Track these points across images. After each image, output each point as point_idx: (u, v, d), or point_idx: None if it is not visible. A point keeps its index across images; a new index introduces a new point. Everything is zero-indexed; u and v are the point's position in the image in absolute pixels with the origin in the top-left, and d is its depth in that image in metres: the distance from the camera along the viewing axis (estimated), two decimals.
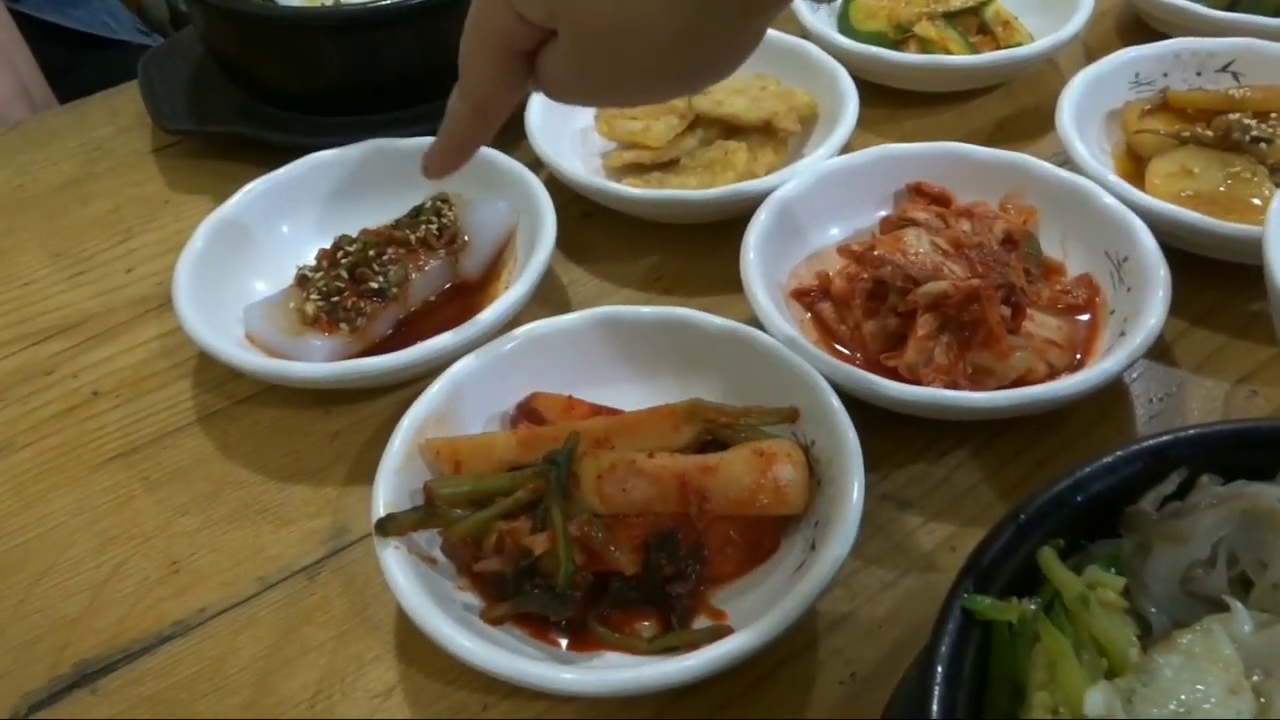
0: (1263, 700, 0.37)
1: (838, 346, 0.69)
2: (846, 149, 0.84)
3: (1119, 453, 0.42)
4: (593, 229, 0.82)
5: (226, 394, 0.72)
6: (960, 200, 0.76)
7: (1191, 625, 0.40)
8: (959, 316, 0.64)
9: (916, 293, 0.65)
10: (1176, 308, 0.70)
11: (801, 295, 0.72)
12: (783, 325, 0.64)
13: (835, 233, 0.75)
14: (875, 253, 0.67)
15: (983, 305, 0.63)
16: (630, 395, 0.64)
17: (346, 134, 0.84)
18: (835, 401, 0.58)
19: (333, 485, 0.66)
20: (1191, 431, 0.43)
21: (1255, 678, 0.38)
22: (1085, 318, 0.68)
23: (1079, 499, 0.42)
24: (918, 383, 0.64)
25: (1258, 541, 0.42)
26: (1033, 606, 0.40)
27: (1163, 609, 0.41)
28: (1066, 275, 0.72)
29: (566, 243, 0.82)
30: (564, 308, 0.77)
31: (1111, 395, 0.66)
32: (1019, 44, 0.92)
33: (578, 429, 0.58)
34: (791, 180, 0.74)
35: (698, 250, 0.80)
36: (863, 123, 0.90)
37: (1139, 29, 0.98)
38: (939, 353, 0.64)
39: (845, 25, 0.98)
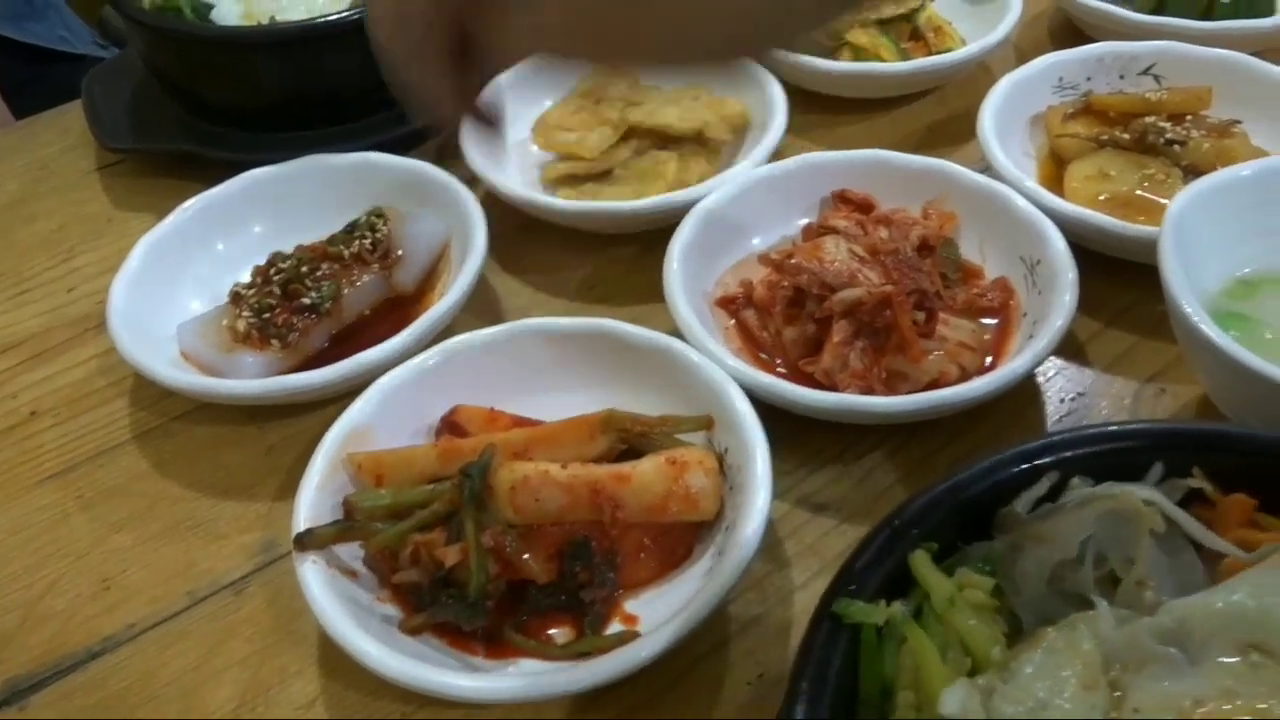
0: (1118, 694, 0.39)
1: (762, 353, 0.70)
2: (778, 156, 0.85)
3: (993, 458, 0.44)
4: (529, 240, 0.84)
5: (162, 411, 0.73)
6: (884, 206, 0.77)
7: (1059, 623, 0.41)
8: (873, 322, 0.66)
9: (832, 300, 0.66)
10: (1092, 308, 0.72)
11: (727, 303, 0.73)
12: (700, 334, 0.65)
13: (760, 241, 0.77)
14: (793, 261, 0.69)
15: (895, 311, 0.65)
16: (554, 405, 0.66)
17: (287, 149, 0.85)
18: (745, 409, 0.60)
19: (264, 500, 0.67)
20: (1063, 435, 0.45)
21: (1113, 672, 0.39)
22: (999, 320, 0.70)
23: (953, 503, 0.43)
24: (834, 388, 0.66)
25: (1124, 540, 0.43)
26: (902, 608, 0.41)
27: (1033, 608, 0.43)
28: (985, 278, 0.73)
29: (503, 254, 0.84)
30: (497, 319, 0.78)
31: (1024, 395, 0.68)
32: (950, 49, 0.94)
33: (496, 441, 0.59)
34: (717, 190, 0.76)
35: (632, 259, 0.81)
36: (797, 129, 0.92)
37: (1070, 32, 1.00)
38: (854, 358, 0.66)
39: None
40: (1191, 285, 0.63)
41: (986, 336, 0.69)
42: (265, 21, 0.87)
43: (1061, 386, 0.69)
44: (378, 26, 0.40)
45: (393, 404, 0.64)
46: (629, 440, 0.60)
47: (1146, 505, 0.43)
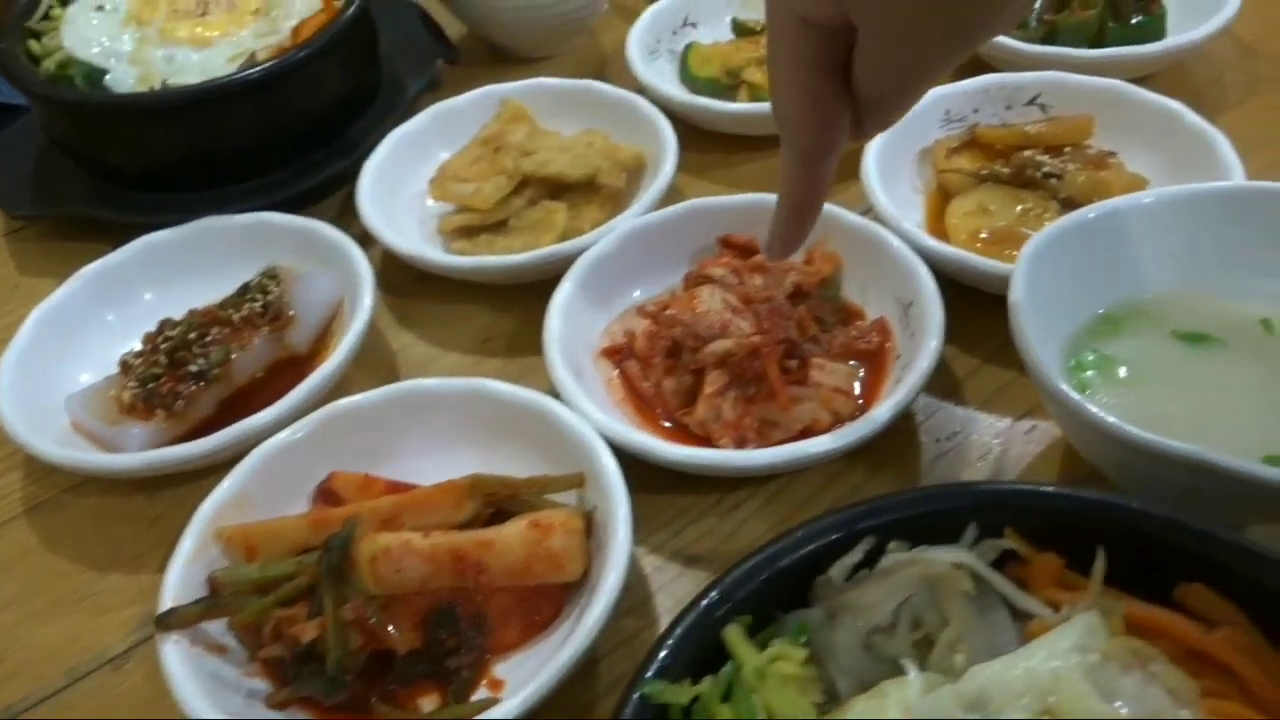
0: None
1: (646, 404, 0.71)
2: (676, 197, 0.87)
3: (807, 527, 0.45)
4: (426, 292, 0.84)
5: (53, 484, 0.73)
6: None
7: (869, 691, 0.42)
8: (744, 373, 0.67)
9: (704, 351, 0.67)
10: (970, 344, 0.73)
11: (612, 354, 0.74)
12: (572, 392, 0.66)
13: (645, 290, 0.78)
14: (668, 313, 0.70)
15: (764, 361, 0.66)
16: (435, 466, 0.66)
17: (188, 209, 0.86)
18: (611, 466, 0.61)
19: (149, 572, 0.67)
20: (878, 501, 0.45)
21: None
22: (875, 362, 0.71)
23: (767, 575, 0.44)
24: (710, 438, 0.67)
25: (938, 603, 0.44)
26: (713, 685, 0.42)
27: (850, 675, 0.44)
28: (866, 319, 0.74)
29: (401, 307, 0.84)
30: (392, 375, 0.79)
31: (901, 436, 0.69)
32: None
33: (365, 509, 0.60)
34: (601, 241, 0.76)
35: (526, 309, 0.82)
36: (696, 170, 0.94)
37: (970, 60, 1.01)
38: (727, 408, 0.66)
39: (685, 72, 1.00)
40: (1056, 324, 0.65)
41: (859, 378, 0.69)
42: (159, 85, 0.88)
43: (938, 425, 0.70)
44: (771, 89, 0.49)
45: (271, 472, 0.65)
46: (496, 503, 0.61)
47: (956, 568, 0.44)
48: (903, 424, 0.69)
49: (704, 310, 0.69)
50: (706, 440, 0.67)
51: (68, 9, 0.94)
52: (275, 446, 0.65)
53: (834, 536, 0.45)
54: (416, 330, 0.83)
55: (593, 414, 0.64)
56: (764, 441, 0.66)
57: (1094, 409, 0.54)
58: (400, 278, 0.85)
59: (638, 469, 0.64)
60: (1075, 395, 0.55)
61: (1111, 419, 0.53)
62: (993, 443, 0.68)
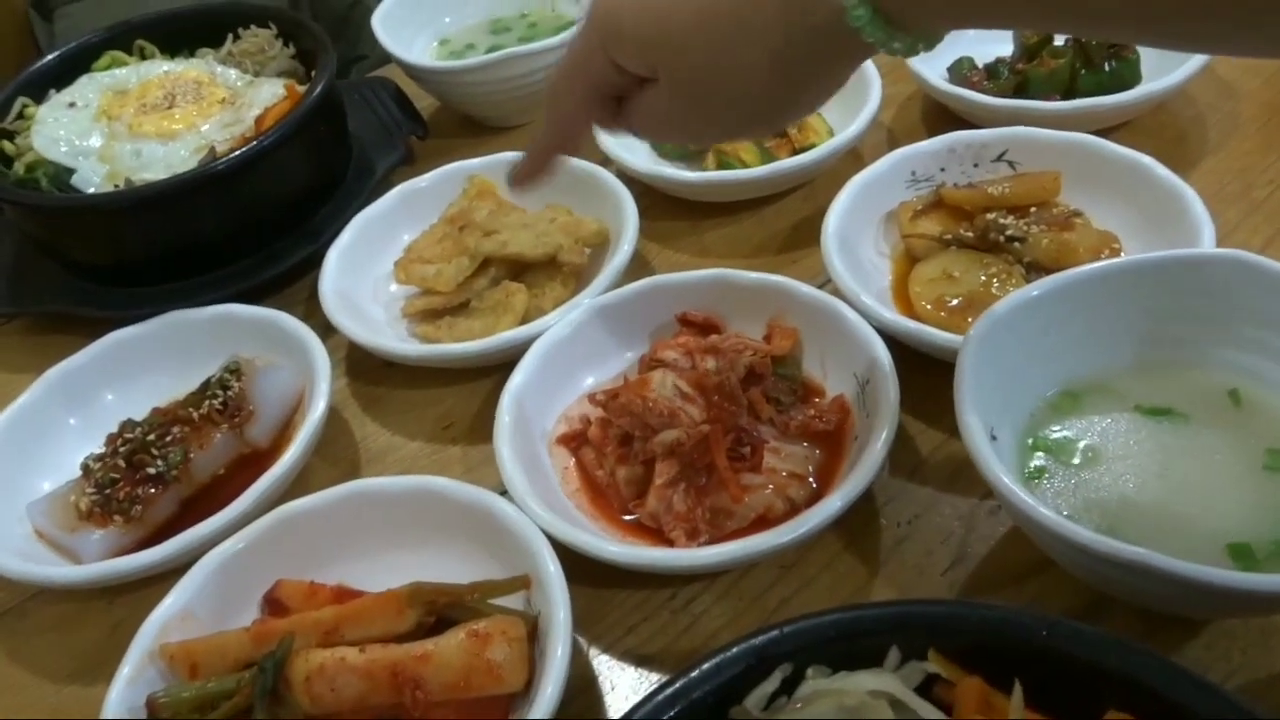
0: None
1: (601, 494, 0.70)
2: (642, 267, 0.86)
3: (721, 655, 0.43)
4: (391, 379, 0.84)
5: (18, 591, 0.73)
6: (729, 323, 0.77)
7: None
8: (694, 462, 0.65)
9: (653, 441, 0.66)
10: (934, 419, 0.71)
11: (569, 440, 0.73)
12: (521, 489, 0.65)
13: (601, 374, 0.77)
14: (618, 401, 0.69)
15: (713, 451, 0.64)
16: (386, 567, 0.65)
17: (159, 302, 0.87)
18: (554, 570, 0.59)
19: (104, 682, 0.65)
20: (793, 627, 0.44)
21: None
22: (833, 444, 0.69)
23: (682, 707, 0.43)
24: (660, 530, 0.65)
25: None
26: None
27: None
28: (826, 396, 0.73)
29: (365, 396, 0.84)
30: (353, 465, 0.79)
31: (861, 519, 0.67)
32: (814, 144, 0.93)
33: (304, 622, 0.59)
34: (557, 325, 0.76)
35: (488, 393, 0.81)
36: (663, 237, 0.93)
37: (942, 113, 0.99)
38: (677, 500, 0.65)
39: None
40: (1013, 402, 0.63)
41: (816, 461, 0.68)
42: (124, 182, 0.89)
43: (899, 507, 0.67)
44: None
45: (217, 584, 0.64)
46: (439, 611, 0.60)
47: (874, 696, 0.42)
48: (863, 506, 0.67)
49: (654, 397, 0.68)
50: (659, 532, 0.65)
51: (40, 108, 0.95)
52: (220, 557, 0.64)
53: (750, 663, 0.43)
54: (380, 418, 0.82)
55: (539, 513, 0.63)
56: (717, 532, 0.65)
57: (1031, 502, 0.52)
58: (366, 363, 0.85)
59: (590, 564, 0.63)
60: (1017, 490, 0.53)
61: (1048, 514, 0.51)
62: (955, 525, 0.66)
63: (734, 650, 0.43)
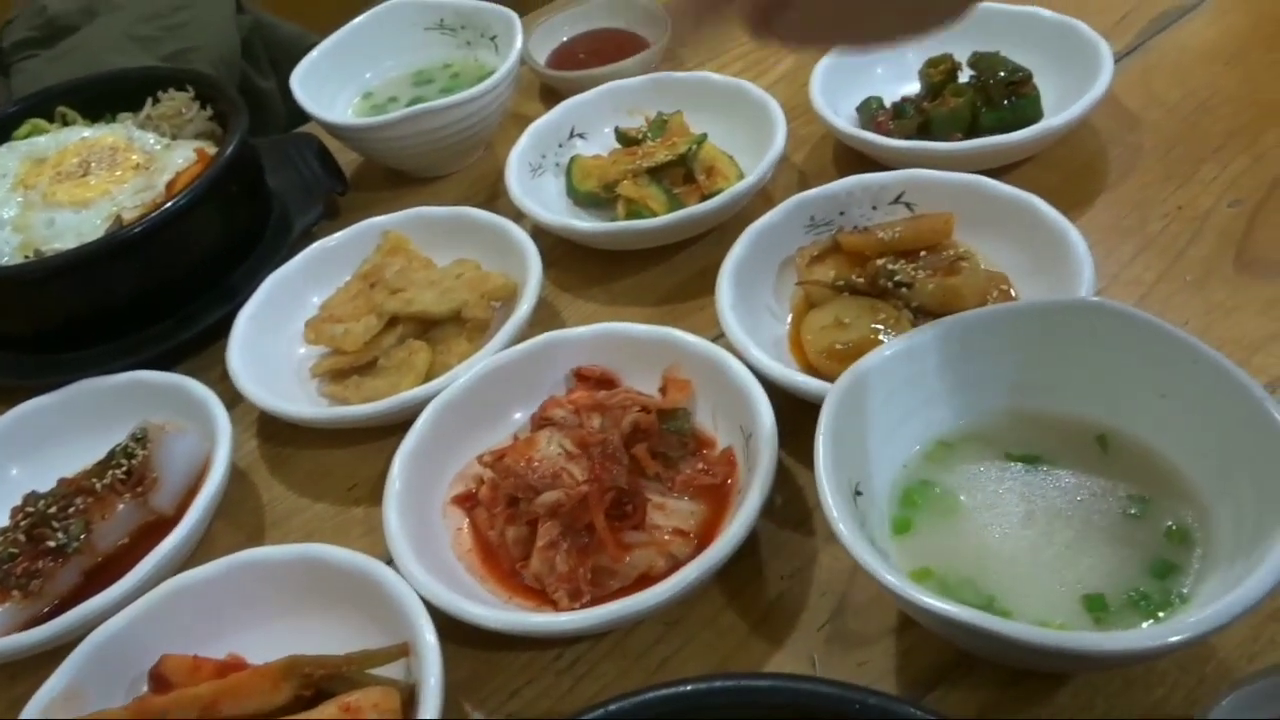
0: None
1: (493, 554, 0.70)
2: (551, 317, 0.87)
3: None
4: (300, 440, 0.85)
5: None
6: (624, 376, 0.78)
7: None
8: (575, 523, 0.66)
9: (535, 503, 0.67)
10: None
11: (462, 501, 0.74)
12: (403, 555, 0.65)
13: (498, 430, 0.77)
14: (504, 462, 0.69)
15: (590, 511, 0.65)
16: (276, 636, 0.66)
17: (71, 369, 0.88)
18: (430, 639, 0.60)
19: None
20: (617, 705, 0.44)
21: None
22: (719, 497, 0.69)
23: None
24: (544, 591, 0.66)
25: None
26: None
27: None
28: (717, 448, 0.73)
29: (273, 458, 0.85)
30: (257, 529, 0.79)
31: (745, 573, 0.67)
32: (723, 189, 0.94)
33: (183, 699, 0.60)
34: (450, 386, 0.76)
35: (391, 454, 0.80)
36: (574, 287, 0.94)
37: (853, 154, 0.99)
38: (560, 561, 0.65)
39: (570, 186, 1.01)
40: (885, 455, 0.63)
41: (699, 516, 0.68)
42: (34, 253, 0.90)
43: (783, 560, 0.68)
44: None
45: (103, 661, 0.65)
46: (315, 684, 0.60)
47: None
48: (748, 559, 0.68)
49: (538, 458, 0.68)
50: (543, 592, 0.66)
51: None
52: (106, 633, 0.65)
53: None
54: (287, 480, 0.83)
55: (420, 580, 0.64)
56: (600, 592, 0.65)
57: (870, 560, 0.52)
58: (276, 424, 0.86)
59: (476, 628, 0.63)
60: (860, 547, 0.53)
61: (886, 575, 0.51)
62: (835, 578, 0.66)
63: None
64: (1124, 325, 0.62)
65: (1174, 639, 0.48)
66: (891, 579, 0.51)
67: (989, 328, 0.64)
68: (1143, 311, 0.62)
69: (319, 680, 0.60)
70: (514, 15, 1.11)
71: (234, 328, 0.87)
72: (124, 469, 0.78)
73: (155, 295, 0.91)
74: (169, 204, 0.88)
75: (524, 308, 0.82)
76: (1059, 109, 0.91)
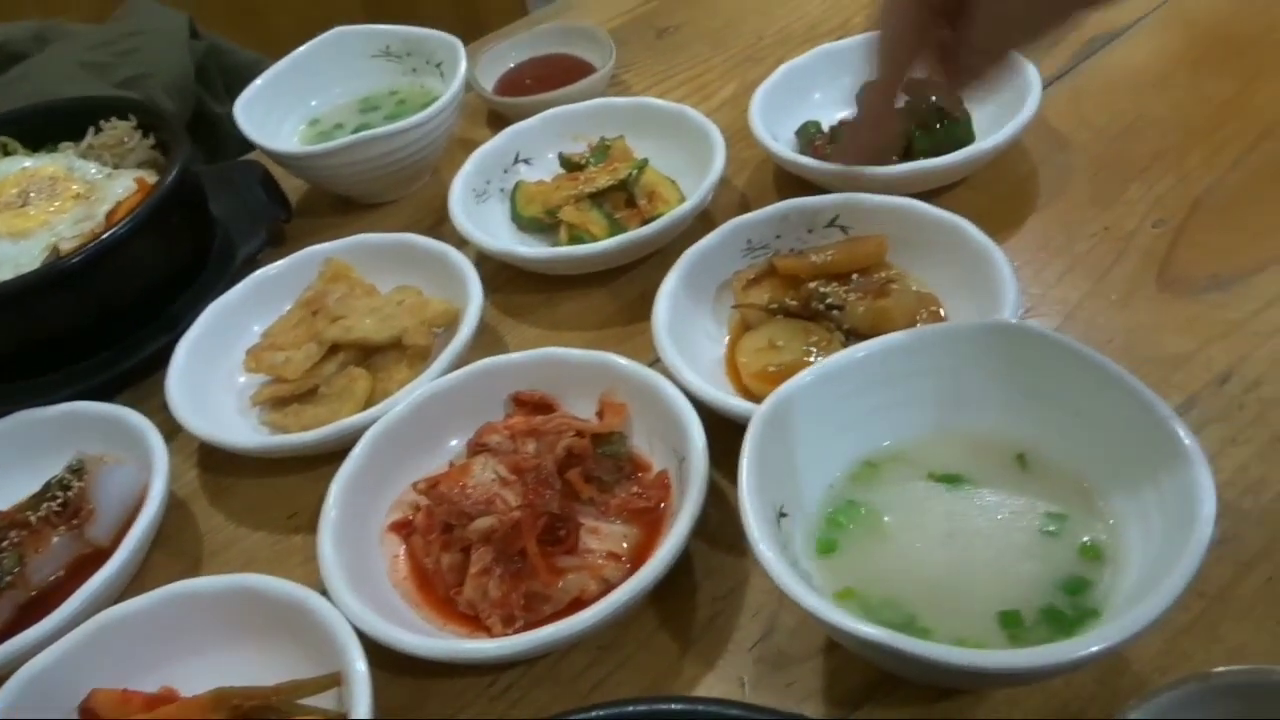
0: None
1: (429, 581, 0.71)
2: (494, 342, 0.88)
3: None
4: (239, 469, 0.85)
5: None
6: (562, 401, 0.79)
7: None
8: (508, 549, 0.66)
9: (469, 529, 0.67)
10: None
11: (399, 528, 0.74)
12: (337, 584, 0.66)
13: (437, 456, 0.77)
14: (438, 489, 0.70)
15: (523, 536, 0.65)
16: (210, 667, 0.65)
17: (20, 399, 0.88)
18: (359, 665, 0.60)
19: None
20: None
21: None
22: (653, 521, 0.70)
23: None
24: (478, 617, 0.66)
25: None
26: None
27: None
28: (652, 472, 0.74)
29: (214, 486, 0.85)
30: (195, 563, 0.79)
31: (678, 595, 0.68)
32: (663, 214, 0.95)
33: None
34: (387, 413, 0.77)
35: (331, 482, 0.82)
36: (518, 311, 0.95)
37: (793, 178, 1.01)
38: (493, 587, 0.66)
39: (514, 211, 1.02)
40: (813, 475, 0.64)
41: (632, 539, 0.69)
42: None
43: (716, 581, 0.69)
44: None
45: (35, 696, 0.64)
46: (246, 714, 0.60)
47: None
48: (682, 580, 0.69)
49: (472, 484, 0.69)
50: (477, 618, 0.66)
51: None
52: (35, 669, 0.64)
53: None
54: (227, 509, 0.83)
55: (351, 607, 0.64)
56: (533, 617, 0.65)
57: (790, 583, 0.53)
58: (217, 454, 0.85)
59: (410, 656, 0.63)
60: (780, 570, 0.54)
61: (804, 597, 0.52)
62: (767, 598, 0.67)
63: None
64: (1040, 346, 0.63)
65: (1081, 654, 0.49)
66: (810, 600, 0.52)
67: (911, 350, 0.65)
68: (1058, 333, 0.63)
69: (248, 711, 0.60)
70: (458, 42, 1.12)
71: (173, 358, 0.87)
72: (59, 501, 0.78)
73: (95, 325, 0.91)
74: (107, 234, 0.87)
75: (463, 334, 0.83)
76: (991, 132, 0.94)
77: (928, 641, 0.50)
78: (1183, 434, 0.55)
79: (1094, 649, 0.49)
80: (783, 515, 0.60)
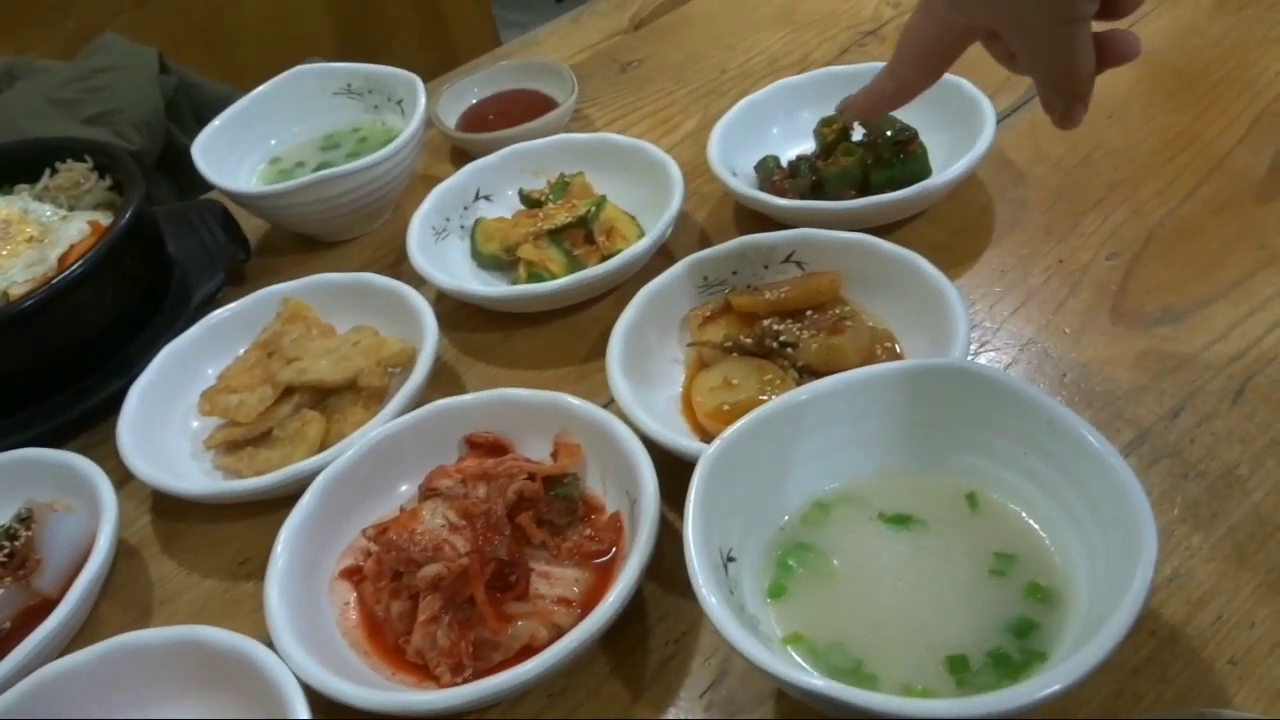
0: None
1: (379, 629, 0.70)
2: (451, 381, 0.88)
3: None
4: (191, 515, 0.84)
5: None
6: (516, 442, 0.78)
7: None
8: (457, 596, 0.65)
9: (416, 576, 0.66)
10: None
11: (350, 575, 0.73)
12: (284, 637, 0.65)
13: (384, 505, 0.76)
14: (386, 535, 0.69)
15: (471, 583, 0.65)
16: None
17: None
18: (303, 715, 0.59)
19: None
20: None
21: None
22: (606, 564, 0.70)
23: None
24: (427, 666, 0.65)
25: None
26: None
27: None
28: (606, 513, 0.73)
29: (166, 533, 0.84)
30: (145, 613, 0.78)
31: (630, 640, 0.67)
32: (622, 249, 0.95)
33: None
34: (338, 459, 0.76)
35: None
36: (475, 350, 0.95)
37: (753, 213, 1.01)
38: (441, 636, 0.65)
39: (474, 249, 1.01)
40: (762, 518, 0.64)
41: (583, 584, 0.68)
42: None
43: (669, 625, 0.68)
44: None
45: None
46: None
47: None
48: (635, 625, 0.68)
49: (421, 530, 0.68)
50: (426, 668, 0.65)
51: None
52: None
53: None
54: (178, 556, 0.82)
55: (296, 659, 0.63)
56: (483, 665, 0.65)
57: (731, 630, 0.52)
58: (169, 500, 0.84)
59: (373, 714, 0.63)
60: (723, 617, 0.53)
61: (744, 645, 0.51)
62: (718, 643, 0.66)
63: None
64: (986, 386, 0.63)
65: (1027, 700, 0.48)
66: (752, 650, 0.51)
67: (858, 391, 0.65)
68: (1005, 373, 0.63)
69: None
70: (416, 79, 1.12)
71: (125, 403, 0.86)
72: (6, 551, 0.76)
73: (47, 370, 0.90)
74: (57, 279, 0.87)
75: (417, 376, 0.82)
76: (948, 164, 0.94)
77: (872, 692, 0.49)
78: (1125, 472, 0.55)
79: (1040, 694, 0.48)
80: (730, 560, 0.60)
